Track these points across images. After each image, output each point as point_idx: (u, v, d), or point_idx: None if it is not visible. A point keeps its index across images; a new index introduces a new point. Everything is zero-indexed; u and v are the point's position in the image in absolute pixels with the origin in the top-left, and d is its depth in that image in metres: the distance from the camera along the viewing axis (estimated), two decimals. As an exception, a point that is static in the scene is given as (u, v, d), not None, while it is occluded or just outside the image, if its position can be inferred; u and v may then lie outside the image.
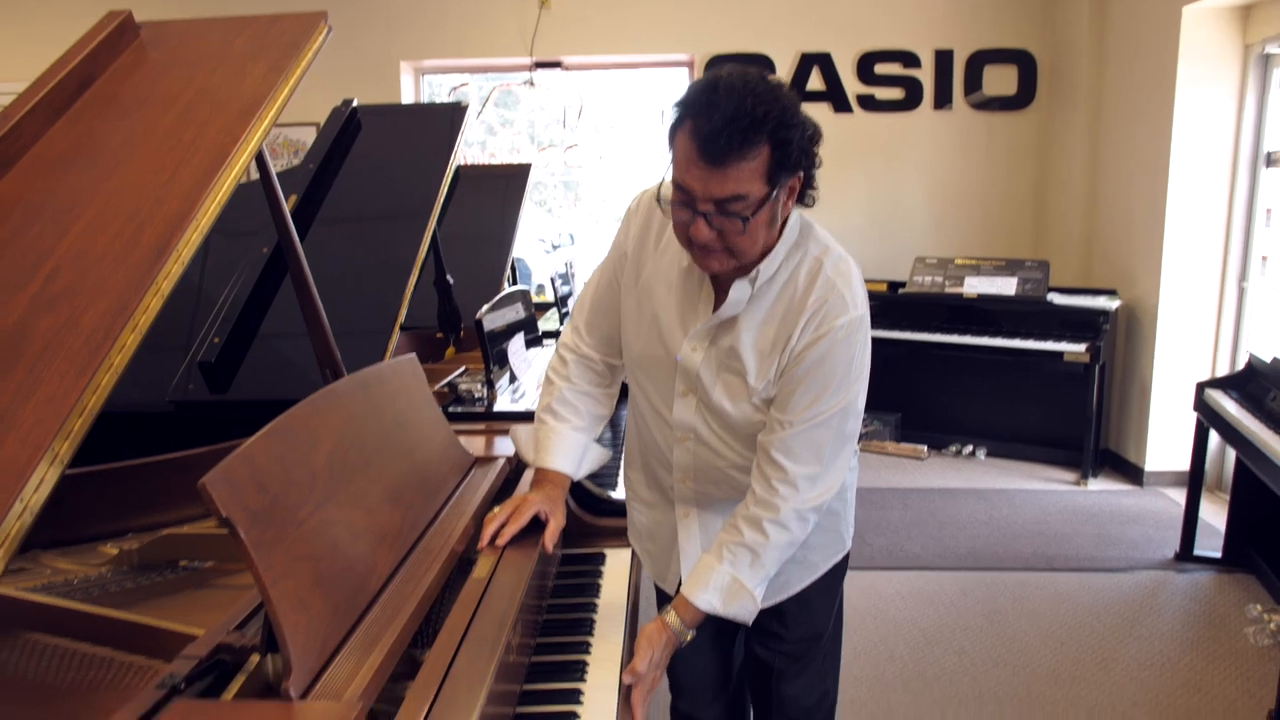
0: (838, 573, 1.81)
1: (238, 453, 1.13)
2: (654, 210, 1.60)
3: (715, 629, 1.78)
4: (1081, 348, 5.01)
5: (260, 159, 1.70)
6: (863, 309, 1.50)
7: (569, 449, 1.70)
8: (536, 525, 1.64)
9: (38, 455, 1.02)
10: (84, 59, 1.53)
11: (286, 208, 1.76)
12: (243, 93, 1.50)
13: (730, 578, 1.52)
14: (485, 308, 2.49)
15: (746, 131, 1.30)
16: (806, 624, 1.78)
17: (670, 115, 1.38)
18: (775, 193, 1.38)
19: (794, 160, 1.37)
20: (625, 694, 1.51)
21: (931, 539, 4.30)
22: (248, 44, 1.59)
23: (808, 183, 1.45)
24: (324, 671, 1.13)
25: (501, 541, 1.58)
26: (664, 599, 1.80)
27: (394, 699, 1.17)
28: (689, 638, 1.53)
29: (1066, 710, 2.91)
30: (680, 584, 1.64)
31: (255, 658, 1.21)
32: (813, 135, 1.41)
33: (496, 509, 1.66)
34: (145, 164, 1.41)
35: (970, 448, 5.62)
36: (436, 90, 6.66)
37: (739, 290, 1.48)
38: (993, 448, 5.60)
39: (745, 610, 1.54)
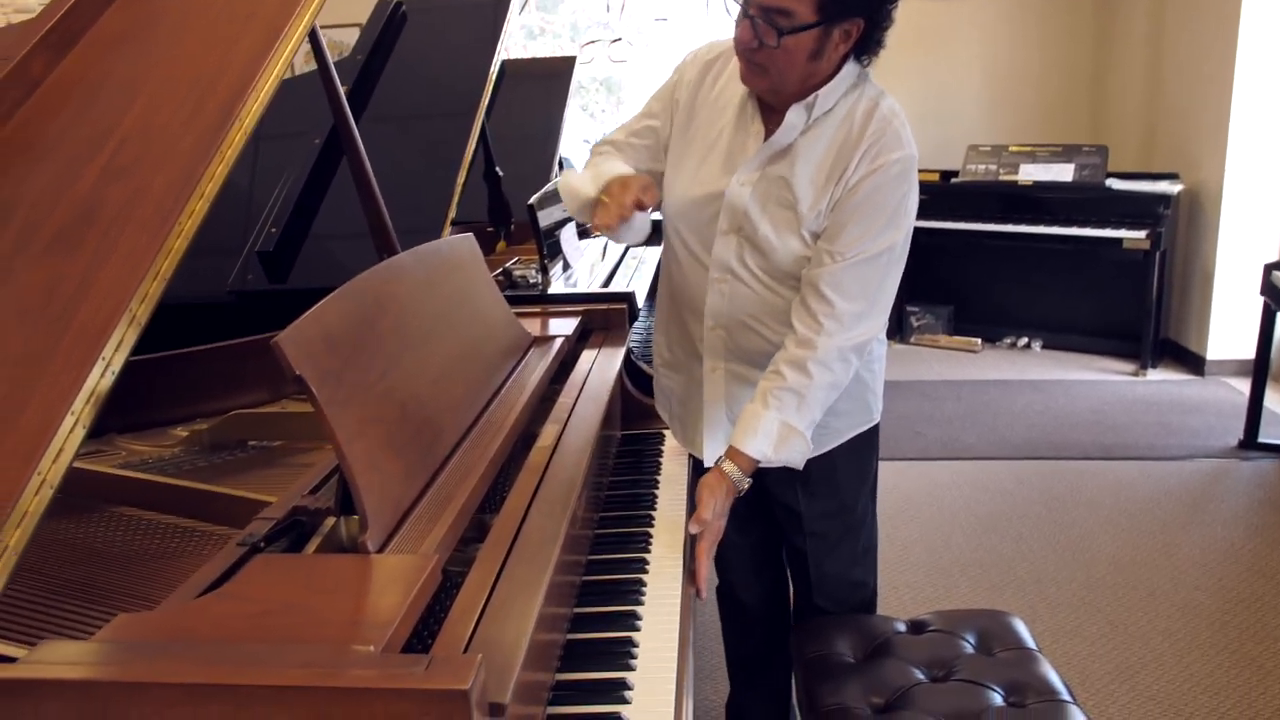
0: (866, 446, 1.80)
1: (308, 314, 1.14)
2: (711, 63, 1.65)
3: (745, 513, 1.80)
4: (1141, 234, 4.87)
5: (315, 40, 1.68)
6: (915, 151, 1.54)
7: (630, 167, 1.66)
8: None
9: (117, 315, 1.03)
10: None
11: (341, 90, 1.74)
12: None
13: (778, 423, 1.52)
14: (537, 195, 2.47)
15: None
16: (832, 495, 1.79)
17: None
18: (825, 26, 1.41)
19: (848, 2, 1.41)
20: (690, 549, 1.54)
21: (987, 429, 4.28)
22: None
23: (870, 38, 1.47)
24: (398, 529, 1.15)
25: (627, 209, 1.52)
26: (699, 467, 1.81)
27: (465, 561, 1.19)
28: (746, 485, 1.55)
29: (1127, 593, 2.92)
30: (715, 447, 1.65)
31: (330, 520, 1.24)
32: None
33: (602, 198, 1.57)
34: (203, 37, 1.40)
35: (1025, 340, 5.54)
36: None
37: (795, 115, 1.51)
38: (1048, 339, 5.51)
39: (797, 452, 1.55)
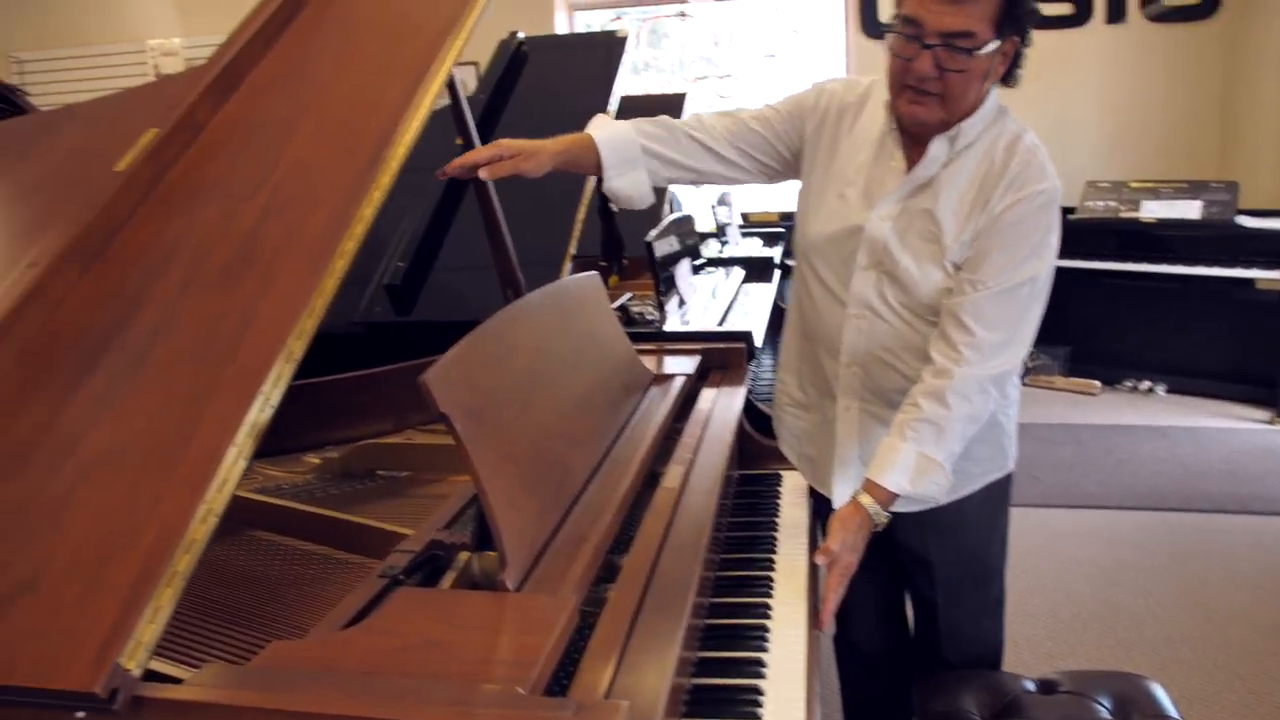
0: (999, 494, 1.75)
1: (451, 354, 1.17)
2: (851, 103, 1.66)
3: (870, 560, 1.77)
4: (1277, 274, 4.63)
5: (449, 82, 1.73)
6: (1058, 184, 1.52)
7: (618, 131, 1.65)
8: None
9: (275, 352, 1.07)
10: (291, -9, 1.60)
11: (475, 133, 1.78)
12: (438, 15, 1.54)
13: (916, 454, 1.48)
14: (654, 231, 2.49)
15: None
16: (962, 545, 1.74)
17: None
18: (997, 44, 1.44)
19: (1018, 17, 1.44)
20: (814, 583, 1.51)
21: (1108, 476, 4.11)
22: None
23: (1016, 58, 1.50)
24: (534, 568, 1.16)
25: (448, 170, 1.56)
26: (825, 507, 1.78)
27: (594, 601, 1.19)
28: (884, 520, 1.51)
29: (1268, 659, 2.74)
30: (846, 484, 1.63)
31: (464, 555, 1.26)
32: (1033, 9, 1.47)
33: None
34: (353, 82, 1.46)
35: (1147, 383, 5.31)
36: (589, 27, 6.66)
37: (937, 147, 1.52)
38: (1173, 383, 5.27)
39: (936, 486, 1.51)
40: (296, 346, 1.10)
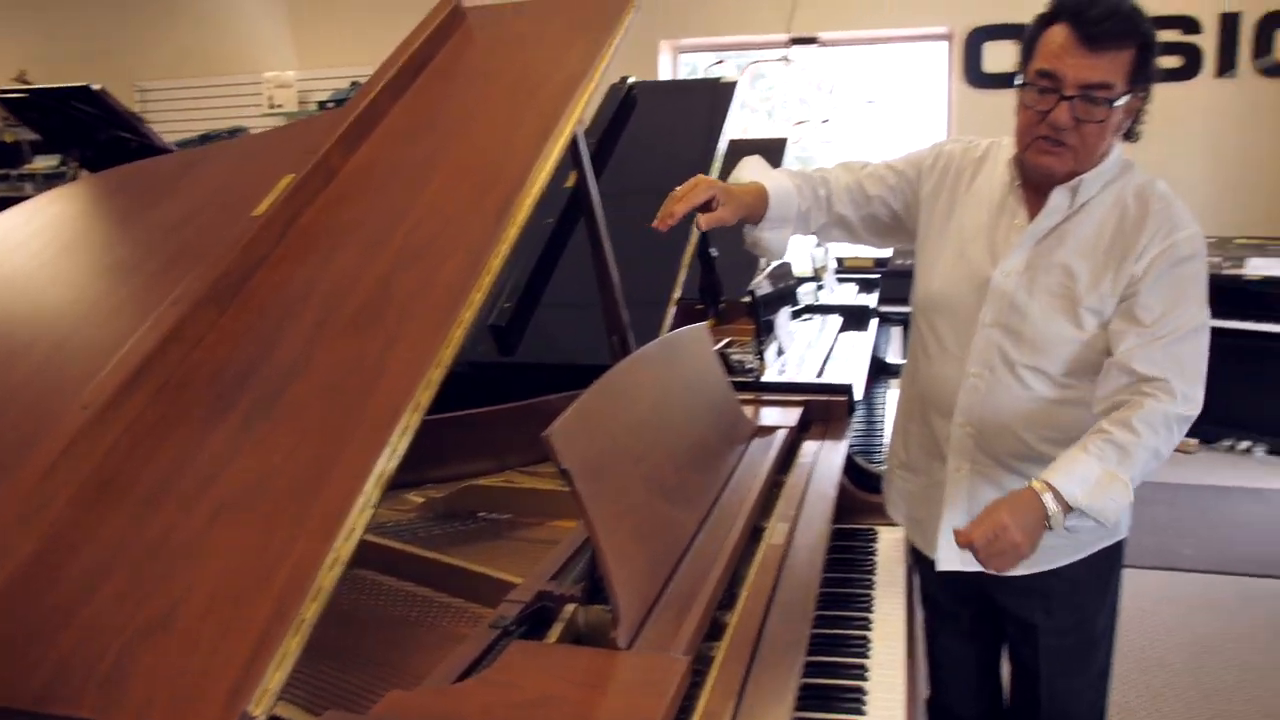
0: (1110, 561, 1.70)
1: (574, 408, 1.18)
2: (966, 161, 1.69)
3: (971, 626, 1.75)
4: (1390, 338, 4.44)
5: (574, 142, 1.75)
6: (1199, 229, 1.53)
7: (782, 185, 1.66)
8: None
9: (405, 401, 1.09)
10: (422, 42, 1.65)
11: (592, 177, 1.79)
12: (564, 68, 1.56)
13: (1099, 470, 1.41)
14: (758, 278, 2.49)
15: (1125, 24, 1.44)
16: (1073, 611, 1.69)
17: (1035, 22, 1.51)
18: (1129, 96, 1.47)
19: (1148, 72, 1.48)
20: (911, 647, 1.52)
21: (1204, 540, 3.96)
22: (564, 24, 1.67)
23: (1138, 113, 1.52)
24: (643, 624, 1.16)
25: (677, 212, 1.52)
26: (927, 570, 1.75)
27: (700, 659, 1.19)
28: (1054, 525, 1.41)
29: (1377, 740, 2.61)
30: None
31: (571, 607, 1.27)
32: (1157, 66, 1.51)
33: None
34: (482, 133, 1.49)
35: (1246, 444, 5.11)
36: (692, 70, 6.72)
37: (1059, 197, 1.54)
38: (1272, 444, 5.06)
39: (1115, 503, 1.41)
40: (424, 397, 1.12)
